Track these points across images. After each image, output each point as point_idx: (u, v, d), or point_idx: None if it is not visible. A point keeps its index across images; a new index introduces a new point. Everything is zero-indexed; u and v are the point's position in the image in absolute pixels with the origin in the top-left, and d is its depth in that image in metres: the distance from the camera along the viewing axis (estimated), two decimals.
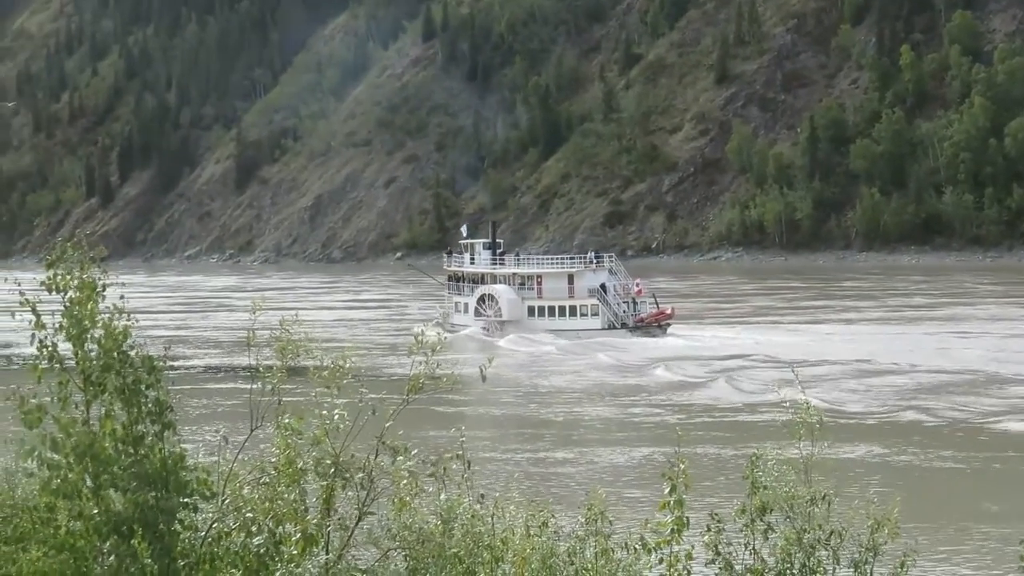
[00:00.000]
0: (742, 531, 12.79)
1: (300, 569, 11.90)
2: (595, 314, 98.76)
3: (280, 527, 12.05)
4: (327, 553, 12.46)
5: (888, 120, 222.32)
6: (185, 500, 11.47)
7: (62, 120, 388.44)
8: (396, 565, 13.07)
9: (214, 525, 11.79)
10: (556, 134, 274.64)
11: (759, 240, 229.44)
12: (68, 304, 11.60)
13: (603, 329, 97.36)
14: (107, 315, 11.63)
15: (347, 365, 13.34)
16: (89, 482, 11.35)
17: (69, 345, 11.59)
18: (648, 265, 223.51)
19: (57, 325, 11.58)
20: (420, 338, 13.33)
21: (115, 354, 11.50)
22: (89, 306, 11.60)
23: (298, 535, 12.03)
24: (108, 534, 11.25)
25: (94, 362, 11.55)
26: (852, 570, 12.72)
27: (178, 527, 11.51)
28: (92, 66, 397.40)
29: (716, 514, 12.79)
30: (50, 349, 11.54)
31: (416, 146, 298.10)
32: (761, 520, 12.73)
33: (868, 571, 12.67)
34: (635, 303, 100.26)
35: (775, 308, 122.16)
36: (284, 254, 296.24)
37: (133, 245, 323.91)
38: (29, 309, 11.58)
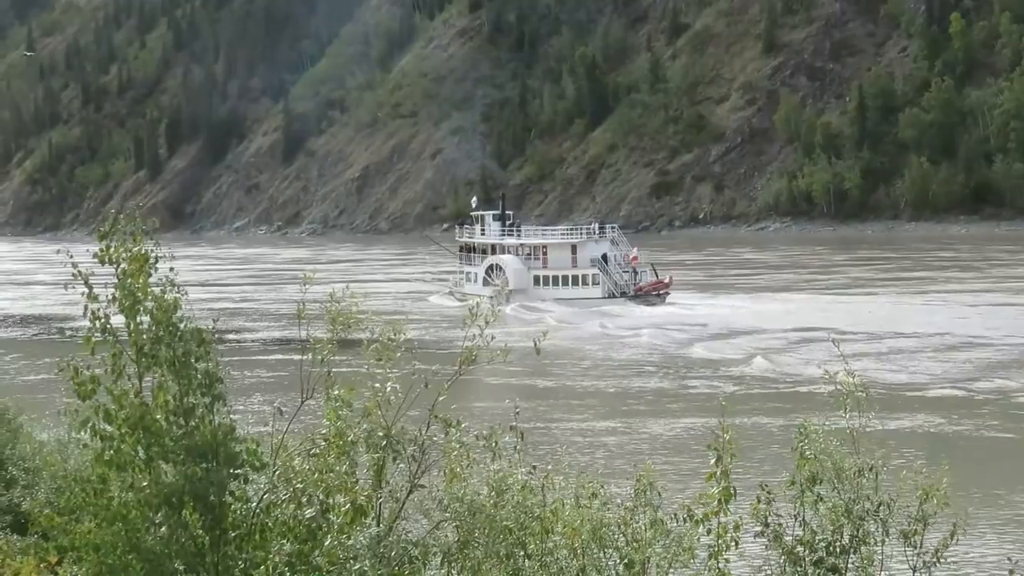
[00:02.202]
0: (791, 502, 12.79)
1: (351, 540, 11.97)
2: (596, 283, 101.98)
3: (330, 498, 12.11)
4: (378, 524, 12.52)
5: (937, 89, 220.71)
6: (235, 471, 11.55)
7: (111, 93, 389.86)
8: (447, 536, 13.14)
9: (264, 496, 11.86)
10: (603, 105, 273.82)
11: (807, 210, 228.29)
12: (121, 276, 11.68)
13: (603, 298, 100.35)
14: (158, 287, 11.70)
15: (399, 338, 13.39)
16: (141, 453, 11.44)
17: (122, 317, 11.67)
18: (696, 236, 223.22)
19: (110, 297, 11.66)
20: (474, 310, 13.36)
21: (165, 326, 11.58)
22: (141, 278, 11.68)
23: (347, 506, 12.08)
24: (159, 506, 11.34)
25: (145, 334, 11.63)
26: (902, 541, 12.70)
27: (228, 498, 11.59)
28: (140, 38, 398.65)
29: (765, 485, 12.80)
30: (103, 321, 11.62)
31: (462, 117, 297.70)
32: (811, 491, 12.73)
33: (918, 542, 12.65)
34: (636, 272, 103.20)
35: (874, 280, 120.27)
36: (331, 226, 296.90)
37: (181, 217, 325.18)
38: (82, 281, 11.66)
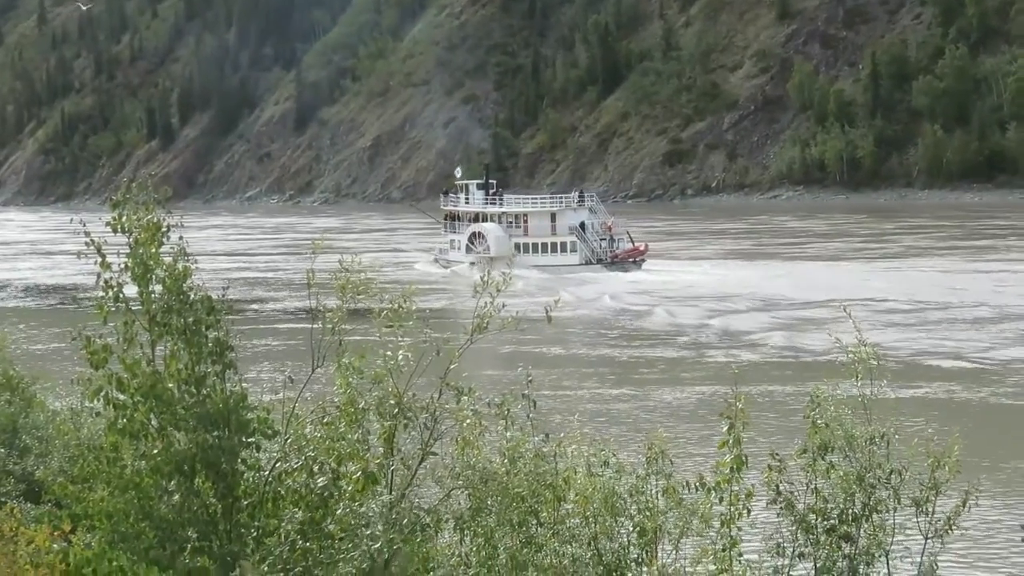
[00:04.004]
0: (804, 470, 12.81)
1: (362, 508, 12.00)
2: (573, 251, 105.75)
3: (341, 466, 12.14)
4: (390, 492, 12.56)
5: (951, 56, 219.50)
6: (247, 440, 11.57)
7: (123, 62, 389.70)
8: (459, 504, 13.17)
9: (276, 464, 11.88)
10: (615, 73, 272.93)
11: (820, 179, 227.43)
12: (133, 244, 11.69)
13: (580, 264, 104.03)
14: (169, 256, 11.71)
15: (409, 305, 13.41)
16: (154, 422, 11.46)
17: (134, 286, 11.68)
18: (709, 204, 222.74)
19: (122, 265, 11.67)
20: (485, 278, 13.37)
21: (176, 295, 11.59)
22: (153, 247, 11.68)
23: (359, 473, 12.11)
24: (172, 474, 11.37)
25: (156, 303, 11.64)
26: (913, 508, 12.72)
27: (240, 466, 11.62)
28: (152, 8, 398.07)
29: (776, 453, 12.82)
30: (115, 289, 11.63)
31: (475, 86, 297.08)
32: (822, 459, 12.74)
33: (930, 509, 12.66)
34: (613, 240, 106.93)
35: (931, 249, 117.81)
36: (344, 195, 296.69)
37: (193, 186, 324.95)
38: (95, 250, 11.67)
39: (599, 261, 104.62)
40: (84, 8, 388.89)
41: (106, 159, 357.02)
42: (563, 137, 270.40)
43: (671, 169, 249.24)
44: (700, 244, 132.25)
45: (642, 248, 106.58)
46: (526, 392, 13.92)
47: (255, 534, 11.53)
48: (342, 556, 11.64)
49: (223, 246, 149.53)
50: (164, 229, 11.79)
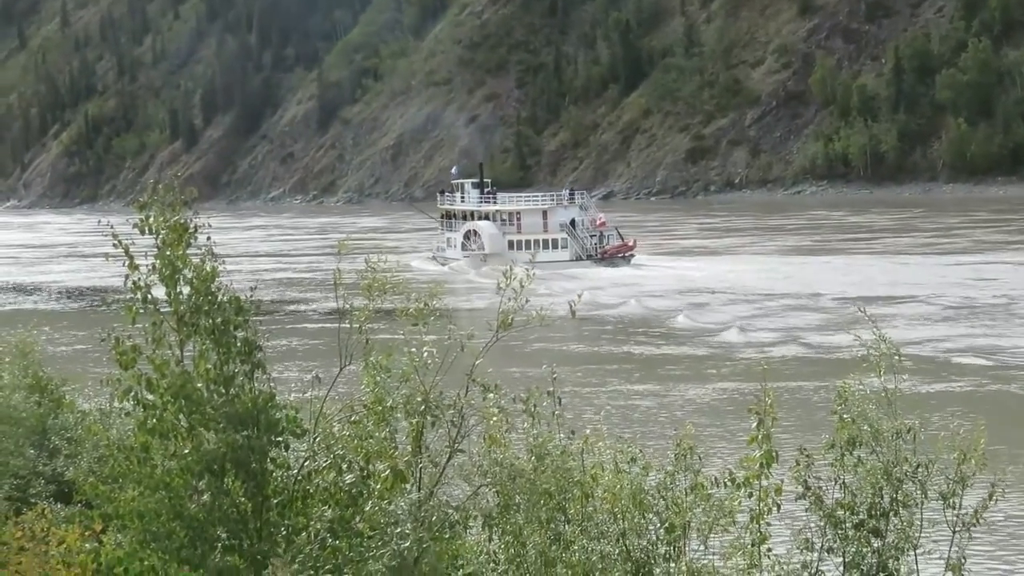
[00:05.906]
0: (831, 465, 12.81)
1: (391, 506, 12.04)
2: (564, 247, 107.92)
3: (370, 464, 12.18)
4: (418, 490, 12.60)
5: (974, 49, 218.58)
6: (276, 439, 11.62)
7: (145, 64, 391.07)
8: (487, 501, 13.20)
9: (305, 463, 11.93)
10: (637, 70, 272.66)
11: (844, 173, 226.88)
12: (160, 245, 11.74)
13: (571, 261, 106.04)
14: (197, 257, 11.76)
15: (433, 303, 13.45)
16: (183, 421, 11.52)
17: (162, 287, 11.74)
18: (733, 200, 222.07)
19: (150, 266, 11.72)
20: (508, 274, 13.39)
21: (204, 295, 11.64)
22: (180, 248, 11.73)
23: (387, 472, 12.15)
24: (202, 473, 11.42)
25: (185, 304, 11.69)
26: (941, 502, 12.71)
27: (270, 465, 11.66)
28: (174, 9, 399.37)
29: (805, 448, 12.83)
30: (144, 290, 11.68)
31: (497, 84, 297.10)
32: (850, 454, 12.74)
33: (957, 503, 12.66)
34: (603, 236, 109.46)
35: (1009, 243, 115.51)
36: (367, 194, 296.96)
37: (217, 187, 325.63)
38: (123, 251, 11.72)
39: (589, 257, 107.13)
40: None
41: (130, 161, 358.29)
42: (585, 134, 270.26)
43: (694, 166, 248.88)
44: (763, 240, 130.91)
45: (630, 244, 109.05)
46: (551, 389, 13.96)
47: (285, 533, 11.58)
48: (371, 554, 11.69)
49: (266, 247, 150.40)
50: (191, 230, 11.83)
